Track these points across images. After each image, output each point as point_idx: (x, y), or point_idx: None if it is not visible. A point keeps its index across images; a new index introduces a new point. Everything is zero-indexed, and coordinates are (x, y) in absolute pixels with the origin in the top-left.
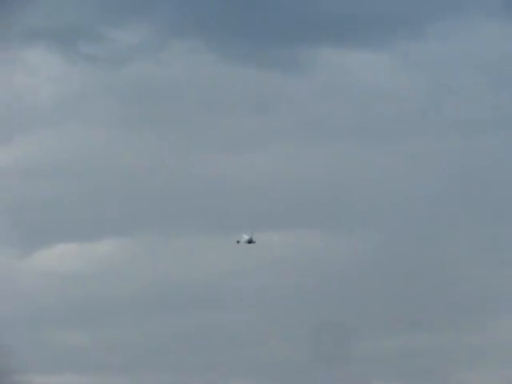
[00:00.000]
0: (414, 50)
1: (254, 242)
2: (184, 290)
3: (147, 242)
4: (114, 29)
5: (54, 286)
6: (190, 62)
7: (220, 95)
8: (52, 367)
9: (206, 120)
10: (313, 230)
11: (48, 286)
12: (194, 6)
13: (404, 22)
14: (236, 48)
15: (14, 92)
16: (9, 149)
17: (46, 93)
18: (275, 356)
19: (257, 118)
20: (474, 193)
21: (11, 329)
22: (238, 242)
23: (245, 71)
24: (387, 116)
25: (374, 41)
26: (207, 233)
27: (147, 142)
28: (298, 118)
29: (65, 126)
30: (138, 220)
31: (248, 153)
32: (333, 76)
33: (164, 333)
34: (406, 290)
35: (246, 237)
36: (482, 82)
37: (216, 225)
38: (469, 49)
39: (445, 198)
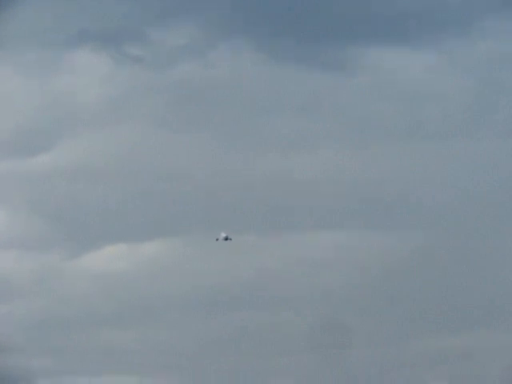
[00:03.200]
0: (462, 49)
1: (231, 239)
2: (233, 290)
3: (195, 243)
4: (160, 30)
5: (102, 287)
6: (236, 63)
7: (267, 95)
8: (100, 368)
9: (253, 120)
10: (362, 229)
11: (97, 287)
12: (240, 7)
13: (452, 21)
14: (282, 48)
15: (61, 94)
16: (56, 151)
17: (92, 94)
18: (316, 358)
19: (304, 119)
20: None
21: (60, 330)
22: (216, 239)
23: (292, 71)
24: (436, 116)
25: (422, 40)
26: (256, 233)
27: (194, 142)
28: (345, 118)
29: (112, 127)
30: (186, 220)
31: (296, 153)
32: (381, 76)
33: (211, 334)
34: (461, 289)
35: (223, 235)
36: None
37: (264, 224)
38: None
39: (498, 198)
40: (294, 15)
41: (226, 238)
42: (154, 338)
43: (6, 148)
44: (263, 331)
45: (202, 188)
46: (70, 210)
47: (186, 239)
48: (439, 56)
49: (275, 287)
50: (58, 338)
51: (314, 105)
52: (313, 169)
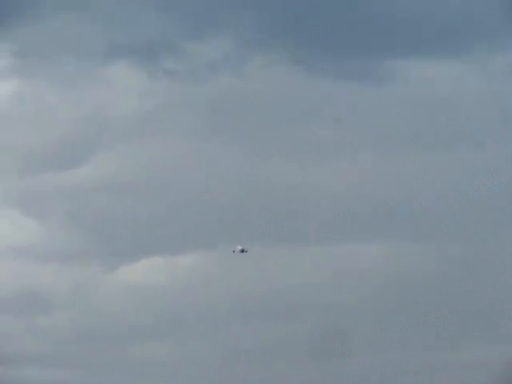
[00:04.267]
0: (492, 59)
1: (247, 251)
2: (267, 301)
3: (230, 255)
4: (195, 43)
5: (138, 299)
6: (271, 76)
7: (301, 107)
8: (135, 380)
9: (288, 131)
10: (388, 240)
11: (133, 299)
12: (274, 20)
13: (482, 31)
14: (316, 61)
15: (97, 107)
16: (92, 164)
17: (128, 108)
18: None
19: (336, 129)
20: None
21: (95, 342)
22: (233, 251)
23: (325, 83)
24: (466, 126)
25: (452, 51)
26: (287, 244)
27: (229, 154)
28: (375, 128)
29: (148, 140)
30: (220, 233)
31: (327, 163)
32: (410, 86)
33: (246, 344)
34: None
35: (239, 247)
36: None
37: (295, 236)
38: None
39: None
40: (328, 28)
41: (242, 251)
42: (188, 350)
43: (44, 161)
44: (293, 341)
45: (236, 200)
46: (107, 224)
47: (220, 251)
48: (468, 66)
49: (305, 298)
50: (94, 349)
51: (345, 115)
52: (341, 178)
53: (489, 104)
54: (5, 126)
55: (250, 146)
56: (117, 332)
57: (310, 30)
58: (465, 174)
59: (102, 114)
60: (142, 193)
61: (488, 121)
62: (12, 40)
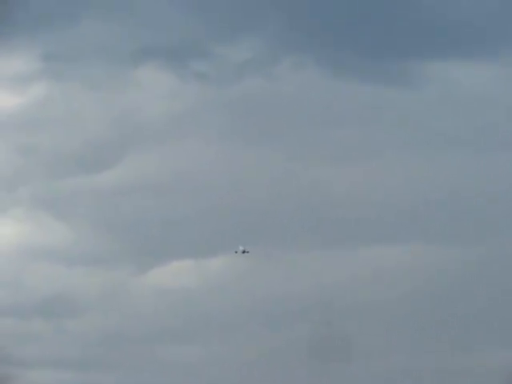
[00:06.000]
0: None
1: (248, 252)
2: (295, 304)
3: (262, 257)
4: (224, 46)
5: (168, 302)
6: (300, 77)
7: (331, 109)
8: (167, 383)
9: (316, 134)
10: (422, 243)
11: (163, 302)
12: (303, 21)
13: None
14: (346, 62)
15: (125, 110)
16: (122, 167)
17: (157, 110)
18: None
19: (366, 132)
20: None
21: (125, 345)
22: (236, 252)
23: (354, 85)
24: (500, 128)
25: (486, 52)
26: (321, 247)
27: (259, 157)
28: (408, 131)
29: (177, 143)
30: (252, 235)
31: (353, 165)
32: (444, 88)
33: (276, 346)
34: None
35: (241, 248)
36: None
37: (329, 239)
38: None
39: None
40: (356, 29)
41: (244, 251)
42: (221, 353)
43: (73, 164)
44: (323, 343)
45: (266, 202)
46: (136, 226)
47: (252, 253)
48: (503, 67)
49: (338, 300)
50: (123, 352)
51: (375, 118)
52: (375, 181)
53: None
54: (34, 128)
55: (286, 148)
56: (146, 335)
57: (339, 32)
58: (506, 178)
59: (132, 116)
60: (172, 195)
61: None
62: (40, 43)
